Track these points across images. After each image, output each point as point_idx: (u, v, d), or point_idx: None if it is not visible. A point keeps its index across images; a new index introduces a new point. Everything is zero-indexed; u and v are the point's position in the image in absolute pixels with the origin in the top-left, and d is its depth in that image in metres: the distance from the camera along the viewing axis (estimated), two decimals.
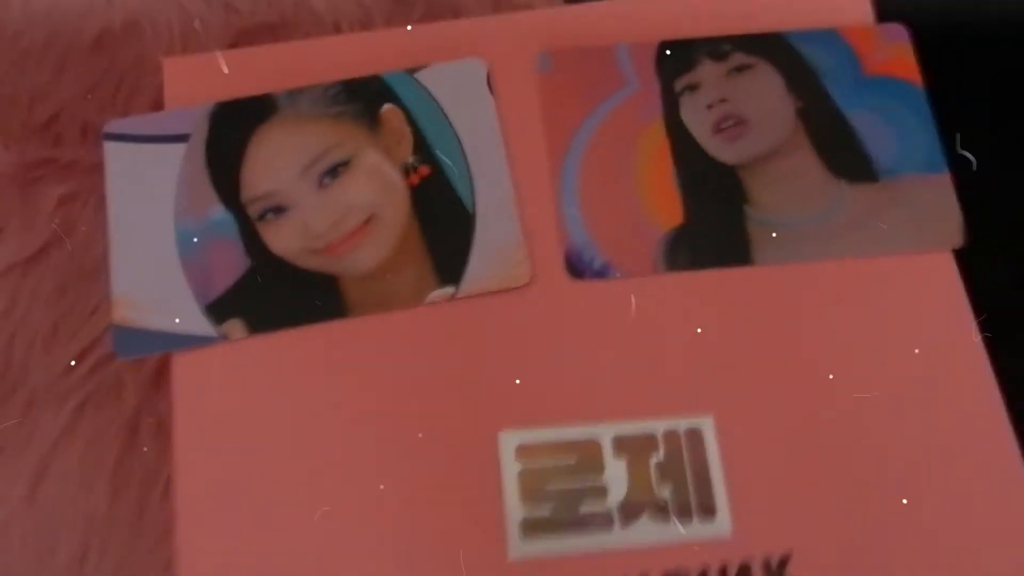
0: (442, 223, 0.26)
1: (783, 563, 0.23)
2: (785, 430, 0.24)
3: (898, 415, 0.25)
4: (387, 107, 0.27)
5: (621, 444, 0.24)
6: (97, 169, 0.39)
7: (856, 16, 0.28)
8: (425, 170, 0.26)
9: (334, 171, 0.26)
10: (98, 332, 0.37)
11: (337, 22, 0.43)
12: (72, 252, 0.38)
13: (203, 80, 0.28)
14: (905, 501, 0.24)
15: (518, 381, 0.25)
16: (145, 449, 0.33)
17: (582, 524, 0.23)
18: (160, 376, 0.37)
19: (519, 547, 0.23)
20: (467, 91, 0.27)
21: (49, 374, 0.37)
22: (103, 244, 0.38)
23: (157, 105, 0.40)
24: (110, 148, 0.27)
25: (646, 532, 0.23)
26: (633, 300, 0.25)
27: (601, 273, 0.26)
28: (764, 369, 0.25)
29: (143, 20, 0.42)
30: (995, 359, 0.26)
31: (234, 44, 0.42)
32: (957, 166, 0.28)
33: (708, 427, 0.24)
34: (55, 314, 0.37)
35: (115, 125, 0.27)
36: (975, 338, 0.25)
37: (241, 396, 0.25)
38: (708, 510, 0.24)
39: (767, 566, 0.23)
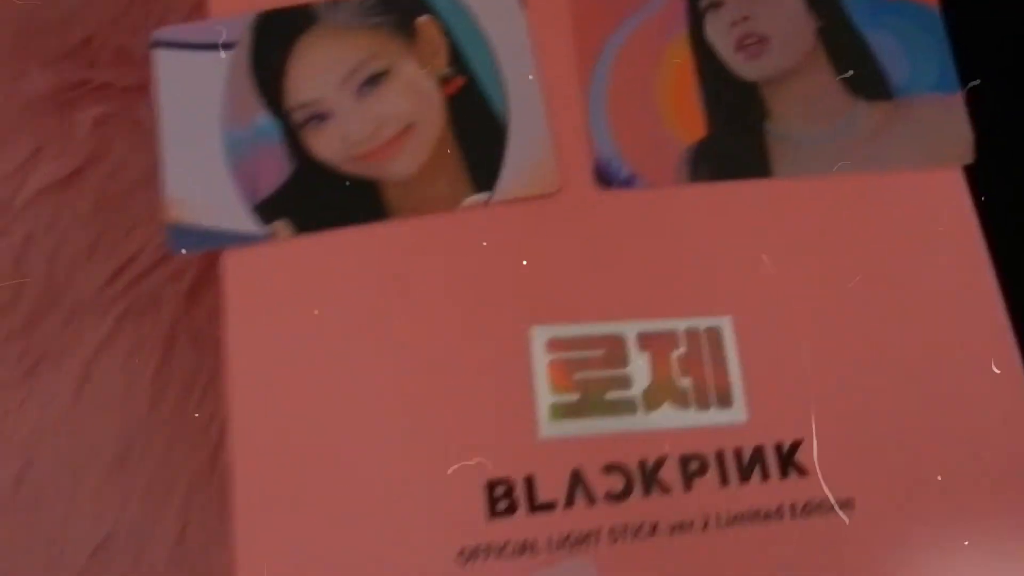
0: (476, 132, 0.27)
1: (794, 448, 0.25)
2: (799, 330, 0.26)
3: (903, 320, 0.26)
4: (423, 18, 0.28)
5: (645, 340, 0.26)
6: (131, 91, 0.41)
7: None
8: (460, 80, 0.28)
9: (373, 81, 0.27)
10: (136, 249, 0.38)
11: None
12: (109, 172, 0.39)
13: None
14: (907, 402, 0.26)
15: (549, 282, 0.26)
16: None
17: (608, 409, 0.25)
18: (196, 290, 0.39)
19: (549, 427, 0.25)
20: (500, 4, 0.28)
21: (90, 287, 0.38)
22: (138, 165, 0.40)
23: None
24: (160, 55, 0.28)
25: (667, 418, 0.25)
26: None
27: (627, 183, 0.27)
28: (780, 274, 0.27)
29: None
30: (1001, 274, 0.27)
31: None
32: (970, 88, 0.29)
33: (727, 326, 0.26)
34: (94, 231, 0.39)
35: (164, 33, 0.28)
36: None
37: (289, 292, 0.26)
38: (725, 400, 0.25)
39: (779, 450, 0.25)
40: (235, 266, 0.26)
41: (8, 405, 0.36)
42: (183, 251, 0.26)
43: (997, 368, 0.26)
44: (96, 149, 0.39)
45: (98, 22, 0.41)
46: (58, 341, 0.37)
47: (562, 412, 0.25)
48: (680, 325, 0.26)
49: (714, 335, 0.26)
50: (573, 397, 0.25)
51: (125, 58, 0.40)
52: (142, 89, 0.41)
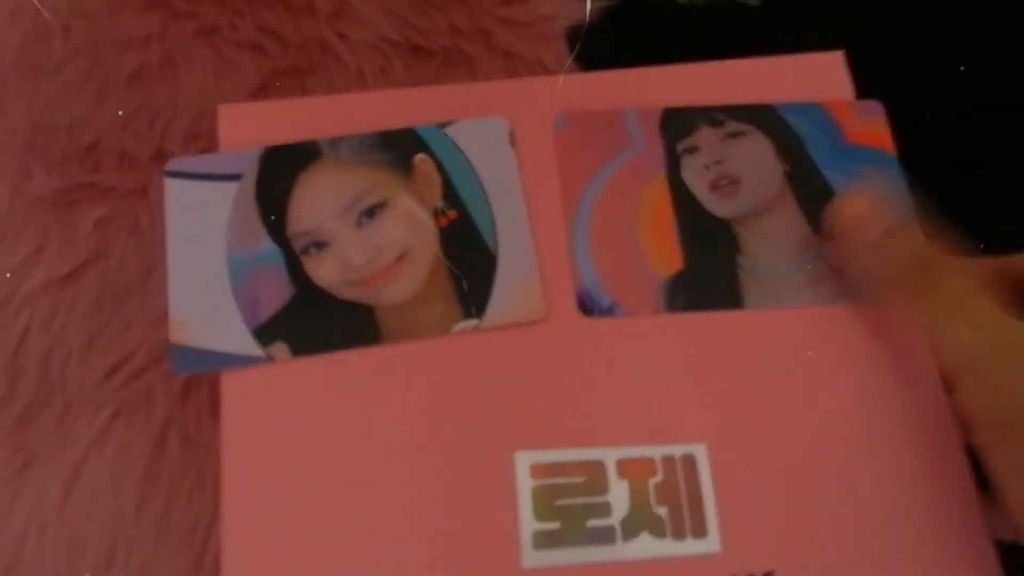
0: (467, 261, 0.29)
1: None
2: (770, 458, 0.27)
3: (866, 445, 0.28)
4: (420, 156, 0.30)
5: (623, 466, 0.27)
6: (133, 194, 0.42)
7: (838, 92, 0.32)
8: (453, 214, 0.29)
9: (371, 212, 0.29)
10: (131, 347, 0.39)
11: (360, 68, 0.46)
12: (108, 271, 0.41)
13: (253, 125, 0.30)
14: (876, 527, 0.27)
15: (533, 406, 0.28)
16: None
17: (588, 537, 0.26)
18: (187, 391, 0.40)
19: (532, 556, 0.26)
20: (491, 145, 0.30)
21: (84, 385, 0.39)
22: (136, 266, 0.41)
23: (190, 136, 0.43)
24: (170, 184, 0.29)
25: (645, 547, 0.26)
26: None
27: (608, 312, 0.29)
28: (752, 403, 0.28)
29: (179, 58, 0.45)
30: None
31: (264, 85, 0.45)
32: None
33: (701, 454, 0.27)
34: (91, 329, 0.40)
35: (176, 164, 0.30)
36: None
37: (284, 412, 0.27)
38: (700, 529, 0.26)
39: None
40: (234, 386, 0.28)
41: None
42: (186, 372, 0.27)
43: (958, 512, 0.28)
44: (96, 249, 0.41)
45: (104, 128, 0.43)
46: (50, 439, 0.38)
47: (545, 541, 0.26)
48: (657, 452, 0.27)
49: (689, 462, 0.27)
50: (555, 525, 0.26)
51: (128, 163, 0.42)
52: (143, 193, 0.43)
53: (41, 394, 0.38)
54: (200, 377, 0.39)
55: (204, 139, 0.44)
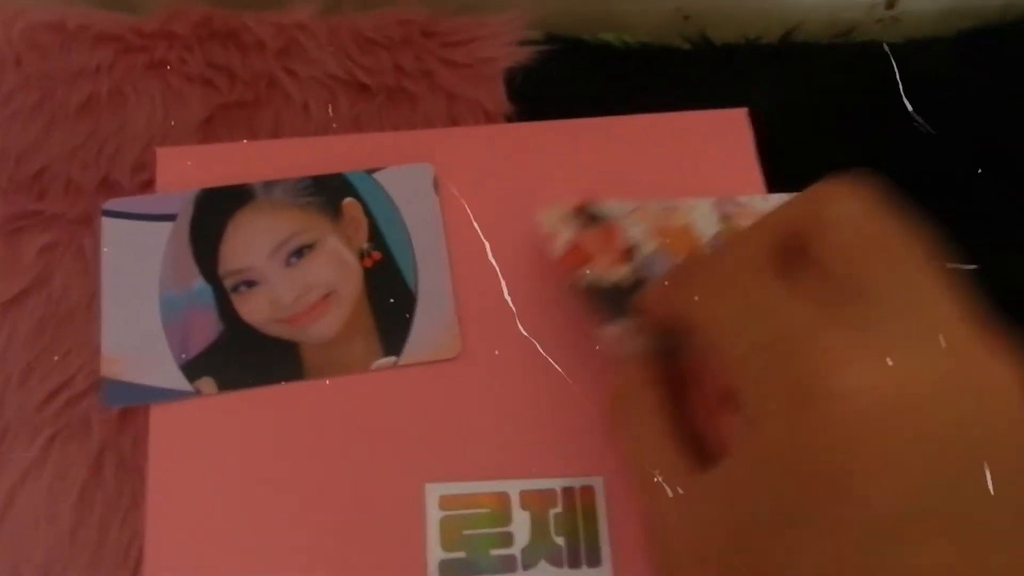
0: (388, 301, 0.31)
1: None
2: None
3: None
4: (348, 200, 0.32)
5: (526, 497, 0.29)
6: (78, 222, 0.43)
7: (741, 149, 0.34)
8: (377, 255, 0.31)
9: (300, 252, 0.31)
10: (70, 373, 0.40)
11: (306, 102, 0.48)
12: (50, 297, 0.42)
13: (191, 167, 0.32)
14: None
15: (445, 439, 0.29)
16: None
17: (491, 566, 0.28)
18: (124, 416, 0.41)
19: None
20: (416, 190, 0.32)
21: (22, 410, 0.40)
22: (79, 292, 0.42)
23: (137, 167, 0.44)
24: (107, 223, 0.31)
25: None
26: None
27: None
28: None
29: (128, 89, 0.46)
30: None
31: (211, 118, 0.46)
32: None
33: (599, 485, 0.29)
34: (31, 354, 0.41)
35: (113, 204, 0.31)
36: None
37: (209, 444, 0.29)
38: (595, 559, 0.28)
39: None
40: (162, 418, 0.29)
41: None
42: (116, 406, 0.29)
43: None
44: (40, 275, 0.42)
45: (51, 156, 0.44)
46: None
47: (450, 570, 0.28)
48: (558, 484, 0.29)
49: (588, 493, 0.29)
50: (461, 554, 0.28)
51: (75, 192, 0.43)
52: (88, 221, 0.44)
53: None
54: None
55: (150, 169, 0.45)
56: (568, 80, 0.47)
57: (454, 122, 0.42)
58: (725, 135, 0.34)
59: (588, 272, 0.29)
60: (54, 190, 0.44)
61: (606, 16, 0.50)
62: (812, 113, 0.43)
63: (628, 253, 0.30)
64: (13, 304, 0.42)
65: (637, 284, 0.29)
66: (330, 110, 0.45)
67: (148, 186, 0.40)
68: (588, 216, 0.30)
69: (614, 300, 0.28)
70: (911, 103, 0.45)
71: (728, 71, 0.45)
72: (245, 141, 0.33)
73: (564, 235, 0.30)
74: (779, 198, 0.33)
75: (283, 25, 0.47)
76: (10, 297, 0.42)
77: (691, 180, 0.33)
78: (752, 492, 0.20)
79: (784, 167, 0.36)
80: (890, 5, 0.49)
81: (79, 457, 0.39)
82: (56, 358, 0.40)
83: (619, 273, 0.29)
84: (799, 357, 0.19)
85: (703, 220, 0.31)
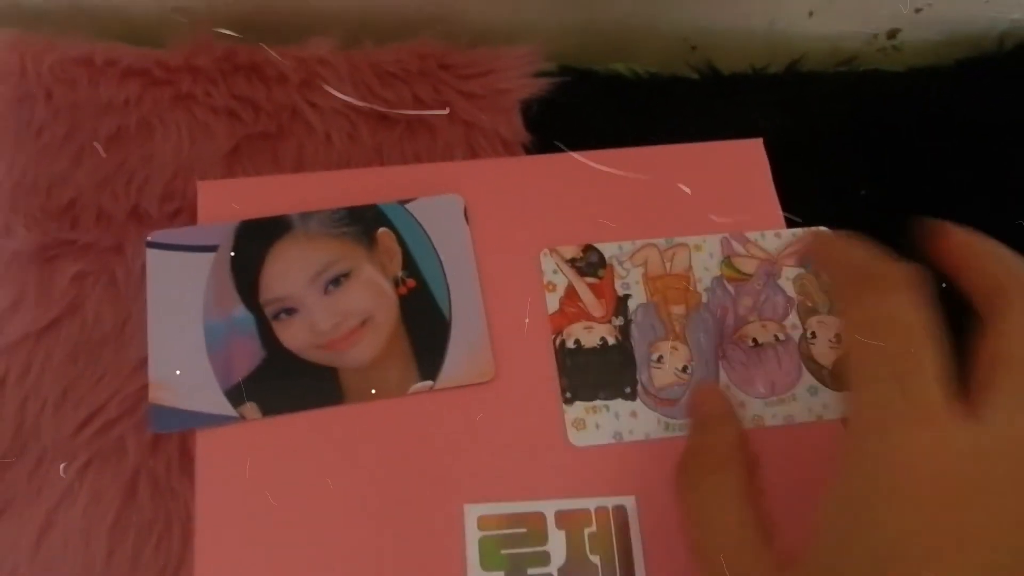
0: (424, 327, 0.32)
1: None
2: None
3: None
4: (382, 230, 0.33)
5: (561, 517, 0.30)
6: (110, 251, 0.44)
7: (758, 178, 0.36)
8: (412, 283, 0.33)
9: (337, 280, 0.32)
10: (104, 398, 0.41)
11: (328, 133, 0.49)
12: (84, 324, 0.43)
13: (230, 199, 0.33)
14: None
15: (482, 461, 0.30)
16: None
17: None
18: (158, 441, 0.41)
19: None
20: (447, 220, 0.34)
21: (58, 435, 0.41)
22: (111, 319, 0.43)
23: (166, 197, 0.46)
24: (151, 255, 0.32)
25: None
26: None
27: None
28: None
29: (155, 121, 0.47)
30: None
31: (237, 148, 0.48)
32: None
33: (631, 505, 0.30)
34: (65, 381, 0.42)
35: (157, 236, 0.32)
36: None
37: (254, 467, 0.30)
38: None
39: None
40: (207, 443, 0.30)
41: None
42: (164, 431, 0.30)
43: None
44: (73, 303, 0.43)
45: (82, 186, 0.45)
46: (24, 489, 0.39)
47: None
48: (591, 504, 0.30)
49: (621, 513, 0.30)
50: (500, 573, 0.29)
51: (106, 221, 0.44)
52: (119, 249, 0.45)
53: (16, 444, 0.40)
54: None
55: (178, 199, 0.46)
56: (582, 109, 0.48)
57: (473, 150, 0.43)
58: (742, 165, 0.35)
59: (565, 339, 0.31)
60: (85, 219, 0.45)
61: (617, 47, 0.52)
62: (817, 139, 0.45)
63: (619, 304, 0.32)
64: (47, 332, 0.43)
65: (617, 346, 0.31)
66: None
67: (177, 215, 0.41)
68: (588, 261, 0.32)
69: (590, 363, 0.31)
70: (911, 129, 0.47)
71: (735, 99, 0.47)
72: (282, 175, 0.34)
73: (560, 285, 0.31)
74: (791, 234, 0.34)
75: (304, 59, 0.49)
76: (44, 324, 0.43)
77: (709, 210, 0.35)
78: None
79: (790, 192, 0.38)
80: (891, 35, 0.51)
81: (114, 481, 0.40)
82: (90, 384, 0.41)
83: (596, 339, 0.31)
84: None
85: (705, 262, 0.33)
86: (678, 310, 0.32)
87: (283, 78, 0.49)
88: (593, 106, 0.49)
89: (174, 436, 0.41)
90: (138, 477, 0.40)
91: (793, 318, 0.32)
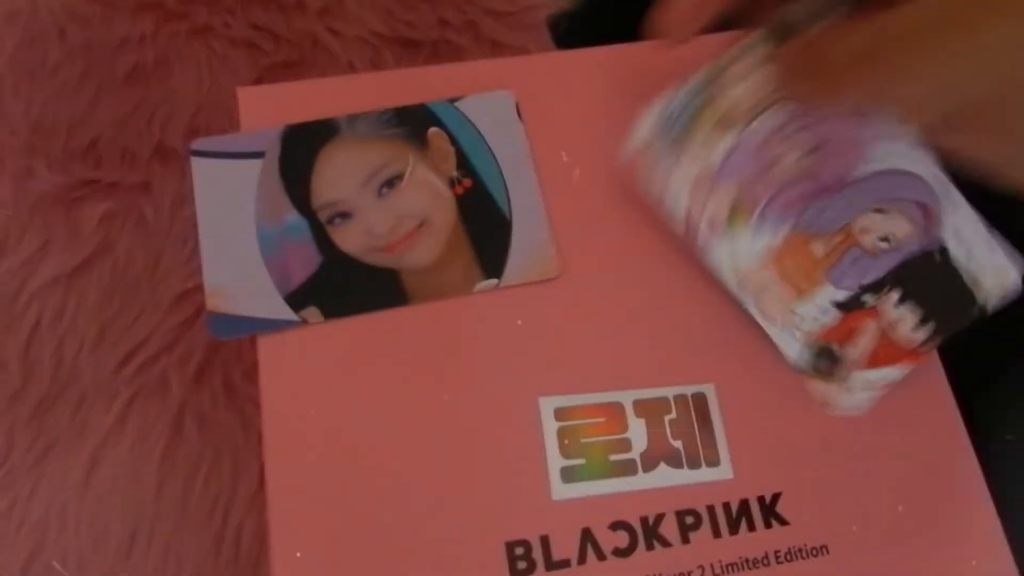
0: (484, 226, 0.31)
1: (775, 499, 0.28)
2: (775, 392, 0.30)
3: None
4: (433, 130, 0.32)
5: (640, 406, 0.29)
6: (136, 189, 0.43)
7: None
8: (468, 182, 0.31)
9: (391, 183, 0.31)
10: (143, 336, 0.40)
11: (351, 61, 0.48)
12: (115, 264, 0.41)
13: (272, 107, 0.32)
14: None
15: (553, 356, 0.29)
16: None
17: (611, 470, 0.28)
18: (201, 375, 0.40)
19: (560, 490, 0.28)
20: (499, 117, 0.32)
21: (98, 374, 0.39)
22: (142, 257, 0.42)
23: (190, 132, 0.44)
24: (196, 163, 0.31)
25: (664, 477, 0.28)
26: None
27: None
28: (756, 343, 0.30)
29: (173, 56, 0.46)
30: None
31: (259, 79, 0.47)
32: None
33: (711, 392, 0.29)
34: (101, 320, 0.40)
35: (200, 143, 0.31)
36: None
37: (319, 372, 0.29)
38: (713, 458, 0.29)
39: (762, 502, 0.28)
40: (270, 348, 0.29)
41: (19, 492, 0.37)
42: (224, 337, 0.29)
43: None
44: (102, 243, 0.41)
45: (103, 125, 0.44)
46: (67, 429, 0.38)
47: (572, 475, 0.28)
48: (670, 393, 0.29)
49: (700, 400, 0.29)
50: (580, 461, 0.28)
51: (130, 159, 0.43)
52: (146, 188, 0.44)
53: (56, 385, 0.39)
54: (213, 360, 0.40)
55: (203, 133, 0.45)
56: (610, 24, 0.47)
57: None
58: None
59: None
60: (109, 159, 0.44)
61: None
62: None
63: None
64: (78, 273, 0.41)
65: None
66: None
67: None
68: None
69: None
70: None
71: None
72: (323, 79, 0.33)
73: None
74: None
75: None
76: (75, 266, 0.41)
77: None
78: None
79: None
80: None
81: (159, 417, 0.39)
82: (127, 324, 0.40)
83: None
84: None
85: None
86: None
87: (302, 6, 0.47)
88: (621, 20, 0.47)
89: (217, 370, 0.41)
90: (183, 413, 0.39)
91: None
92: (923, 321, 0.29)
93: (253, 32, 0.46)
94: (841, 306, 0.29)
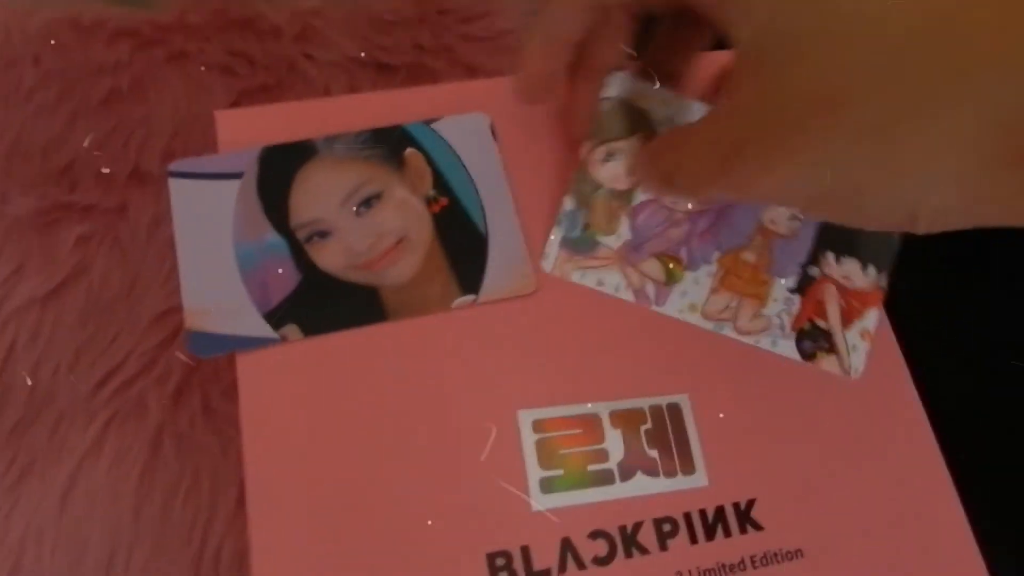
0: (461, 243, 0.31)
1: (750, 505, 0.29)
2: (746, 401, 0.30)
3: (832, 400, 0.31)
4: (410, 151, 0.33)
5: (616, 417, 0.30)
6: (112, 212, 0.43)
7: None
8: (444, 201, 0.32)
9: (368, 202, 0.31)
10: (120, 357, 0.40)
11: (327, 86, 0.48)
12: (91, 286, 0.41)
13: (249, 128, 0.32)
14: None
15: (531, 370, 0.30)
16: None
17: (589, 481, 0.29)
18: (179, 395, 0.40)
19: (540, 500, 0.28)
20: (475, 138, 0.33)
21: (75, 396, 0.39)
22: (119, 279, 0.42)
23: (166, 156, 0.44)
24: (174, 184, 0.31)
25: (641, 485, 0.29)
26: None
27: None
28: (727, 354, 0.31)
29: (148, 81, 0.46)
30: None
31: (235, 104, 0.47)
32: None
33: (685, 402, 0.30)
34: (77, 342, 0.40)
35: (178, 165, 0.31)
36: None
37: (298, 388, 0.29)
38: (689, 467, 0.29)
39: (737, 508, 0.29)
40: (249, 366, 0.29)
41: None
42: (204, 356, 0.29)
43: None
44: (78, 265, 0.41)
45: (79, 149, 0.44)
46: (44, 450, 0.38)
47: (550, 486, 0.28)
48: (645, 403, 0.30)
49: (675, 410, 0.30)
50: (559, 471, 0.28)
51: (105, 182, 0.43)
52: (122, 210, 0.44)
53: (32, 407, 0.39)
54: (191, 380, 0.40)
55: (180, 157, 0.45)
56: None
57: None
58: None
59: None
60: (85, 182, 0.44)
61: None
62: None
63: None
64: (54, 295, 0.41)
65: None
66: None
67: None
68: None
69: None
70: None
71: None
72: (299, 101, 0.34)
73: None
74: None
75: (298, 11, 0.48)
76: (50, 289, 0.41)
77: None
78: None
79: None
80: None
81: (137, 439, 0.39)
82: (103, 345, 0.40)
83: None
84: None
85: None
86: None
87: (278, 32, 0.48)
88: None
89: (196, 390, 0.40)
90: (162, 434, 0.39)
91: None
92: (864, 263, 0.32)
93: (228, 57, 0.47)
94: (796, 290, 0.32)
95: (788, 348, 0.31)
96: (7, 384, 0.39)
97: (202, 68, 0.46)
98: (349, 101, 0.35)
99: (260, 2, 0.48)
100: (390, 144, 0.33)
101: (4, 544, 0.36)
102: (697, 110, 0.31)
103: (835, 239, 0.32)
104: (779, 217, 0.32)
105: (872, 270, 0.32)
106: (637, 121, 0.31)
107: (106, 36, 0.47)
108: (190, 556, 0.37)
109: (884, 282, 0.32)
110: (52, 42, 0.45)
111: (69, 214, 0.42)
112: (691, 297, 0.31)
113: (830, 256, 0.32)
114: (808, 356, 0.31)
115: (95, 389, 0.39)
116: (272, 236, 0.31)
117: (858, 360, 0.31)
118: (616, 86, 0.31)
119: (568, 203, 0.32)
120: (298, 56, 0.47)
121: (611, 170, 0.32)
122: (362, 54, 0.47)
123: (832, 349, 0.31)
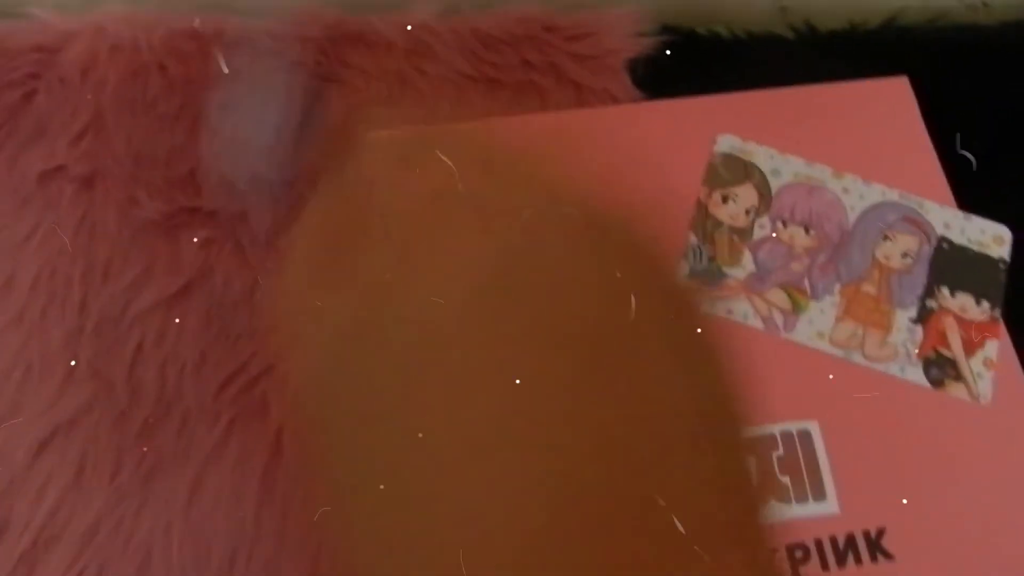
0: None
1: (880, 534, 0.29)
2: (876, 429, 0.31)
3: (962, 426, 0.32)
4: None
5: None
6: (234, 218, 0.45)
7: (906, 117, 0.36)
8: None
9: None
10: (243, 359, 0.41)
11: (437, 100, 0.49)
12: (214, 289, 0.43)
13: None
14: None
15: None
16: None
17: None
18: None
19: None
20: None
21: (200, 396, 0.41)
22: (241, 282, 0.43)
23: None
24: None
25: (772, 511, 0.29)
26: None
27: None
28: (856, 382, 0.32)
29: None
30: None
31: (346, 114, 0.48)
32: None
33: (815, 429, 0.31)
34: (202, 343, 0.42)
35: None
36: None
37: None
38: (820, 493, 0.30)
39: (867, 536, 0.29)
40: None
41: (126, 511, 0.38)
42: None
43: None
44: (202, 268, 0.43)
45: (200, 157, 0.46)
46: (172, 449, 0.39)
47: None
48: (776, 430, 0.31)
49: (805, 437, 0.31)
50: None
51: (227, 188, 0.45)
52: (243, 216, 0.45)
53: (160, 406, 0.40)
54: None
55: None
56: (686, 69, 0.49)
57: None
58: (888, 105, 0.36)
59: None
60: (209, 187, 0.46)
61: (709, 9, 0.52)
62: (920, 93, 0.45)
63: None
64: (179, 297, 0.43)
65: None
66: None
67: (293, 181, 0.41)
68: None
69: None
70: (1008, 83, 0.47)
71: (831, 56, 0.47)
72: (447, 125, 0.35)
73: None
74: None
75: (408, 27, 0.49)
76: (176, 290, 0.43)
77: (858, 153, 0.35)
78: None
79: None
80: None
81: (259, 440, 0.40)
82: (227, 347, 0.42)
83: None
84: None
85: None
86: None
87: (390, 46, 0.49)
88: (697, 66, 0.49)
89: None
90: (282, 435, 0.40)
91: None
92: (977, 297, 0.33)
93: (343, 69, 0.48)
94: (917, 320, 0.33)
95: (916, 375, 0.32)
96: (137, 383, 0.40)
97: (317, 79, 0.47)
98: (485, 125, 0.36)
99: (373, 17, 0.49)
100: None
101: (135, 538, 0.38)
102: (794, 163, 0.33)
103: (948, 274, 0.33)
104: (892, 253, 0.33)
105: (986, 304, 0.33)
106: (747, 171, 0.33)
107: (225, 46, 0.48)
108: (309, 555, 0.38)
109: (998, 314, 0.33)
110: (175, 51, 0.47)
111: (193, 219, 0.44)
112: (818, 326, 0.32)
113: (945, 290, 0.33)
114: (936, 383, 0.32)
115: (219, 390, 0.40)
116: None
117: (985, 387, 0.32)
118: (726, 143, 0.32)
119: (692, 238, 0.33)
120: (409, 70, 0.48)
121: (730, 209, 0.32)
122: (471, 70, 0.48)
123: (959, 377, 0.32)
